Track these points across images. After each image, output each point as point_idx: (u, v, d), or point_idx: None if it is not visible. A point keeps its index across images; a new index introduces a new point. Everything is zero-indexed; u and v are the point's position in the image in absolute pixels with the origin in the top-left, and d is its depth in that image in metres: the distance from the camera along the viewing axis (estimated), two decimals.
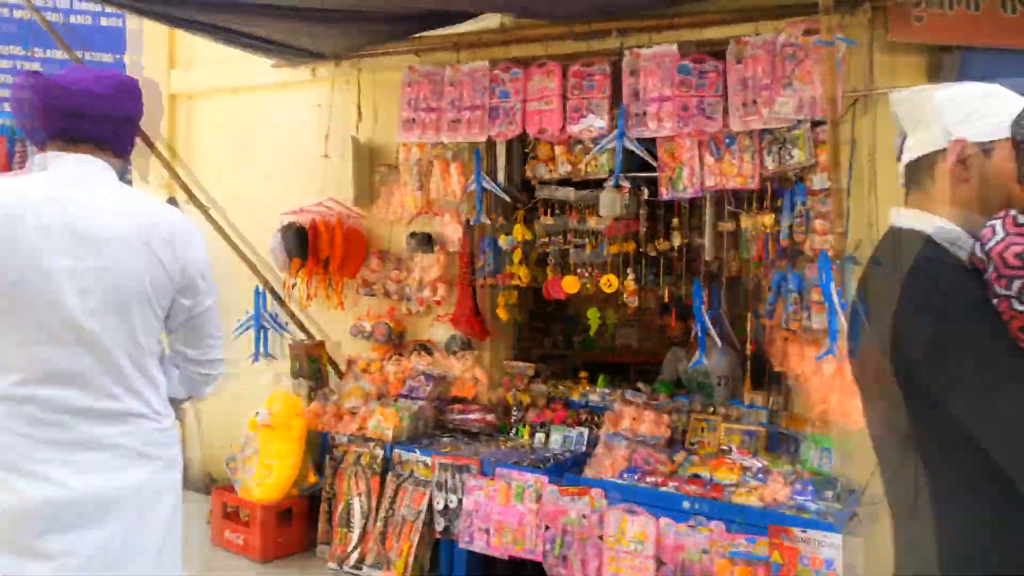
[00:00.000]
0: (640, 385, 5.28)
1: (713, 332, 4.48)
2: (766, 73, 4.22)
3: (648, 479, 4.28)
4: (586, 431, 4.98)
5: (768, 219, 4.31)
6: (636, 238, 4.82)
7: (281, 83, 6.10)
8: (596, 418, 5.14)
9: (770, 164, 4.29)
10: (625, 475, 4.35)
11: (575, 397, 5.34)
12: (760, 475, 4.23)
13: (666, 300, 5.12)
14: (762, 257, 4.41)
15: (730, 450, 4.63)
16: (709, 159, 4.45)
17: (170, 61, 6.59)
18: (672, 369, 6.07)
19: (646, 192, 4.69)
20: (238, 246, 5.54)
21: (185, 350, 2.27)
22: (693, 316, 5.14)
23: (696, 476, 4.23)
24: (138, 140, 2.75)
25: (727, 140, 4.41)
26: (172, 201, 6.53)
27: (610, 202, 4.65)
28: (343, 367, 5.86)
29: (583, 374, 5.45)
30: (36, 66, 5.51)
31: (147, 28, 6.53)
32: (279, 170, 6.13)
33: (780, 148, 4.25)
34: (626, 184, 4.63)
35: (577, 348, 7.26)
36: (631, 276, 4.79)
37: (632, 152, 4.59)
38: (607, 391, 5.29)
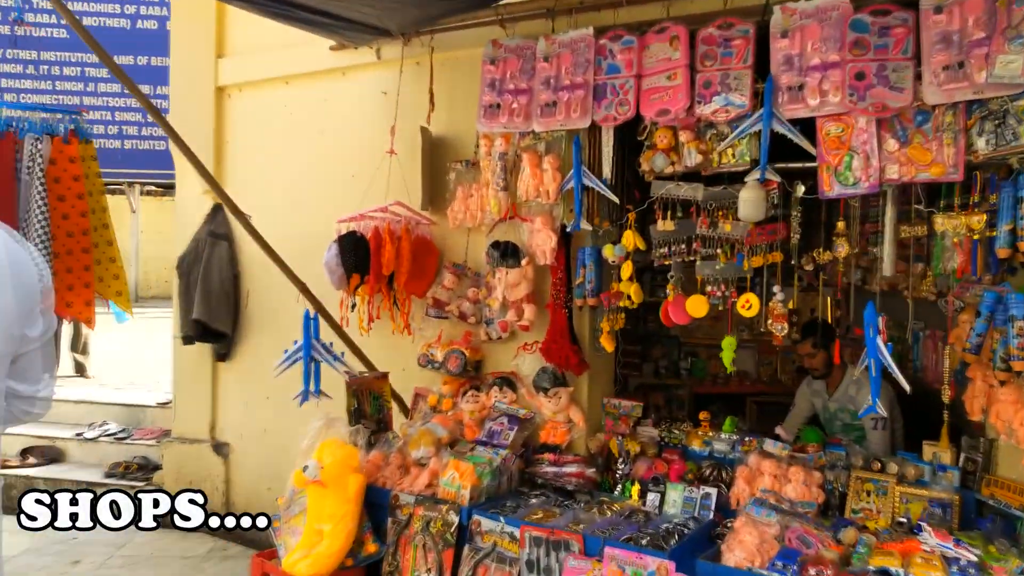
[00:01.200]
0: (780, 431, 4.18)
1: (896, 370, 3.36)
2: (980, 23, 3.13)
3: (812, 572, 3.17)
4: (714, 492, 3.91)
5: (978, 221, 3.20)
6: (785, 248, 3.73)
7: (341, 69, 5.24)
8: (724, 473, 4.06)
9: (982, 147, 3.18)
10: (780, 563, 3.25)
11: (695, 445, 4.28)
12: (972, 571, 3.10)
13: (815, 318, 3.98)
14: (966, 272, 3.28)
15: (916, 527, 3.50)
16: (892, 143, 3.37)
17: (218, 49, 5.81)
18: (806, 406, 4.94)
19: (801, 188, 3.61)
20: (285, 261, 4.65)
21: (14, 385, 1.99)
22: (835, 343, 4.08)
23: (885, 573, 3.10)
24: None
25: (918, 117, 3.32)
26: (218, 209, 5.75)
27: (753, 202, 3.61)
28: (409, 404, 4.91)
29: (704, 415, 4.37)
30: None
31: (192, 13, 5.78)
32: (337, 170, 5.27)
33: (999, 125, 3.14)
34: (775, 178, 3.57)
35: (684, 377, 6.16)
36: (778, 296, 3.71)
37: (783, 137, 3.54)
38: (736, 437, 4.21)
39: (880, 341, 3.41)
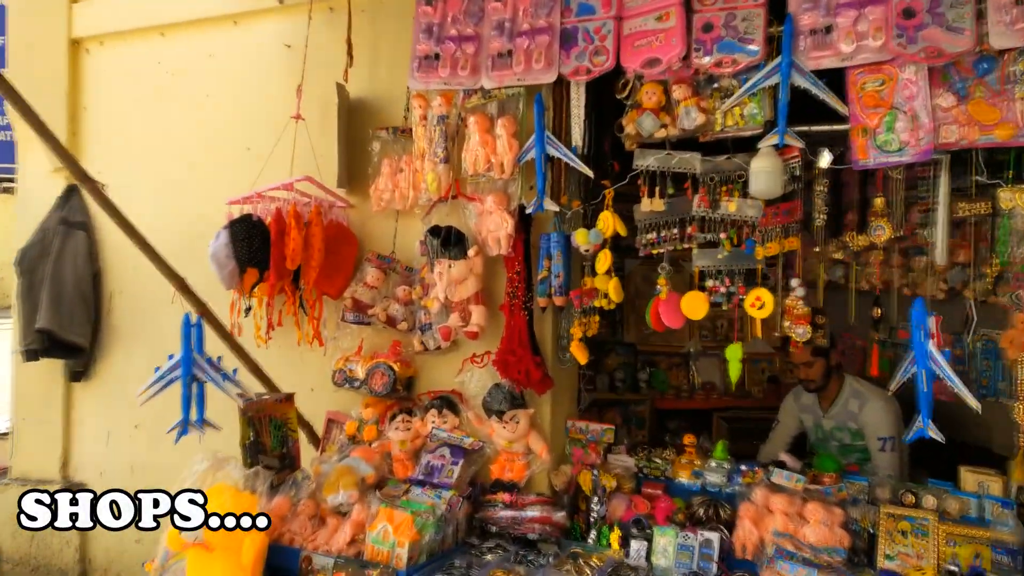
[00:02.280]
0: (786, 458, 3.45)
1: (958, 382, 2.67)
2: None
3: None
4: (716, 538, 3.14)
5: None
6: (806, 231, 3.00)
7: (232, 16, 4.24)
8: (722, 512, 3.30)
9: None
10: None
11: (683, 477, 3.50)
12: None
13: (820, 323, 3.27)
14: None
15: None
16: (947, 98, 2.69)
17: None
18: (792, 424, 4.26)
19: (826, 157, 2.89)
20: (159, 253, 3.59)
21: None
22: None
23: None
24: None
25: (981, 65, 2.66)
26: (73, 192, 4.60)
27: (768, 173, 2.87)
28: (320, 432, 3.93)
29: (689, 439, 3.59)
30: None
31: None
32: (228, 141, 4.26)
33: None
34: (796, 143, 2.84)
35: (643, 390, 5.38)
36: (798, 291, 2.98)
37: (803, 94, 2.82)
38: (729, 466, 3.45)
39: (933, 346, 2.71)
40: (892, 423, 3.82)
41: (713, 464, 3.50)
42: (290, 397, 3.74)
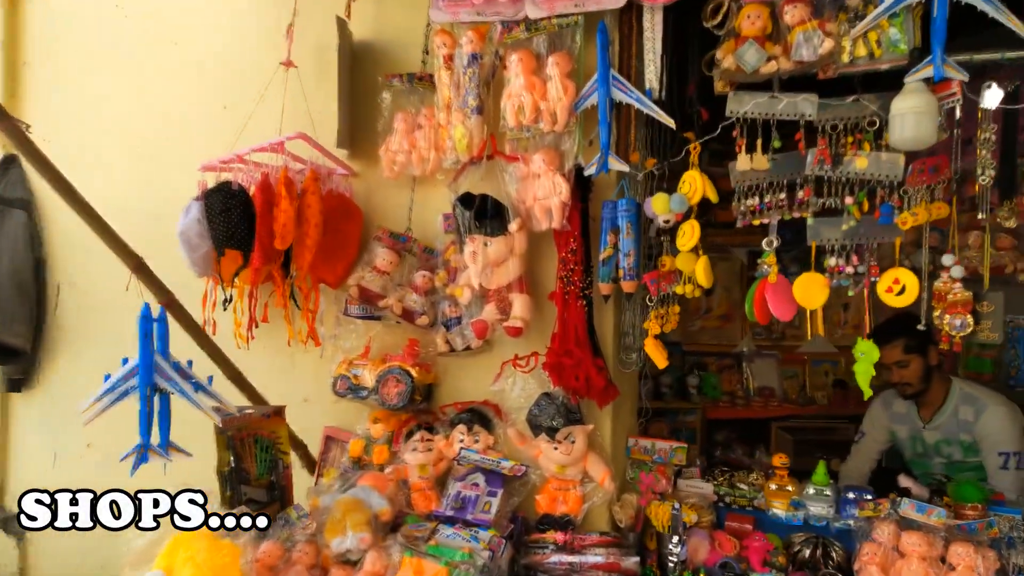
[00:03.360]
0: (909, 483, 2.75)
1: None
2: None
3: None
4: None
5: None
6: (958, 194, 2.32)
7: None
8: (835, 554, 2.61)
9: None
10: None
11: (778, 508, 2.79)
12: None
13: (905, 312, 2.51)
14: None
15: None
16: None
17: None
18: (882, 438, 3.57)
19: (995, 93, 2.20)
20: (115, 232, 2.79)
21: None
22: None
23: None
24: None
25: None
26: (10, 163, 3.82)
27: (920, 115, 2.18)
28: (317, 454, 3.18)
29: (780, 459, 2.88)
30: None
31: None
32: (201, 98, 3.50)
33: None
34: (959, 75, 2.15)
35: (692, 397, 4.65)
36: (953, 271, 2.28)
37: (968, 8, 2.13)
38: (834, 493, 2.75)
39: None
40: (1017, 434, 3.15)
41: (813, 491, 2.79)
42: (280, 411, 2.99)
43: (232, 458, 2.74)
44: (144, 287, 2.75)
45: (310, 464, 3.18)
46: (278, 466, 2.92)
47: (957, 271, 2.27)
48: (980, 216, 2.25)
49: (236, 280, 2.99)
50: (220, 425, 2.62)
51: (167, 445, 2.47)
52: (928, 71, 2.17)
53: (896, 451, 3.65)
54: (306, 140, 2.99)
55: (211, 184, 2.99)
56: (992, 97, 2.21)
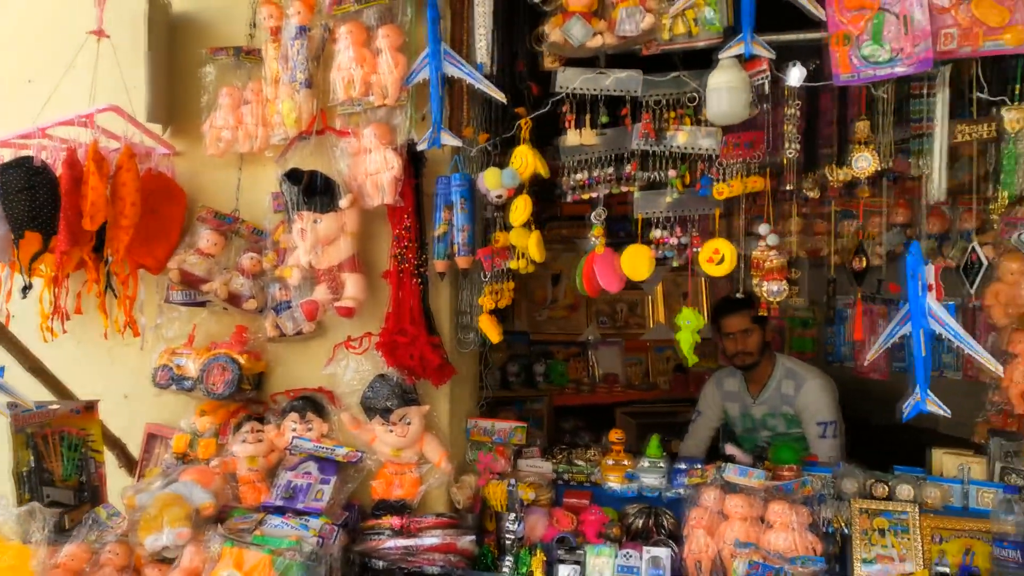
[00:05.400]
0: (734, 451, 2.86)
1: (968, 338, 2.19)
2: None
3: None
4: (665, 554, 2.50)
5: None
6: (772, 167, 2.44)
7: None
8: (665, 521, 2.67)
9: None
10: None
11: (613, 481, 2.83)
12: None
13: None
14: None
15: None
16: None
17: None
18: (715, 415, 3.72)
19: (799, 73, 2.33)
20: None
21: None
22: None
23: None
24: None
25: None
26: None
27: (732, 90, 2.29)
28: (139, 453, 2.95)
29: (617, 434, 2.94)
30: None
31: None
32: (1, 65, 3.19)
33: None
34: (765, 53, 2.27)
35: (539, 385, 4.68)
36: (768, 239, 2.40)
37: None
38: (667, 465, 2.83)
39: (933, 300, 2.21)
40: (832, 405, 3.36)
41: (647, 463, 2.86)
42: (91, 406, 2.76)
43: (31, 457, 2.49)
44: None
45: (130, 463, 2.95)
46: (89, 466, 2.69)
47: (772, 239, 2.39)
48: (788, 187, 2.38)
49: (38, 265, 2.73)
50: (13, 420, 2.37)
51: None
52: (739, 48, 2.28)
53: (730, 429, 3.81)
54: (120, 113, 2.79)
55: (9, 160, 2.72)
56: (796, 76, 2.34)
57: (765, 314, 2.45)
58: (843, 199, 3.15)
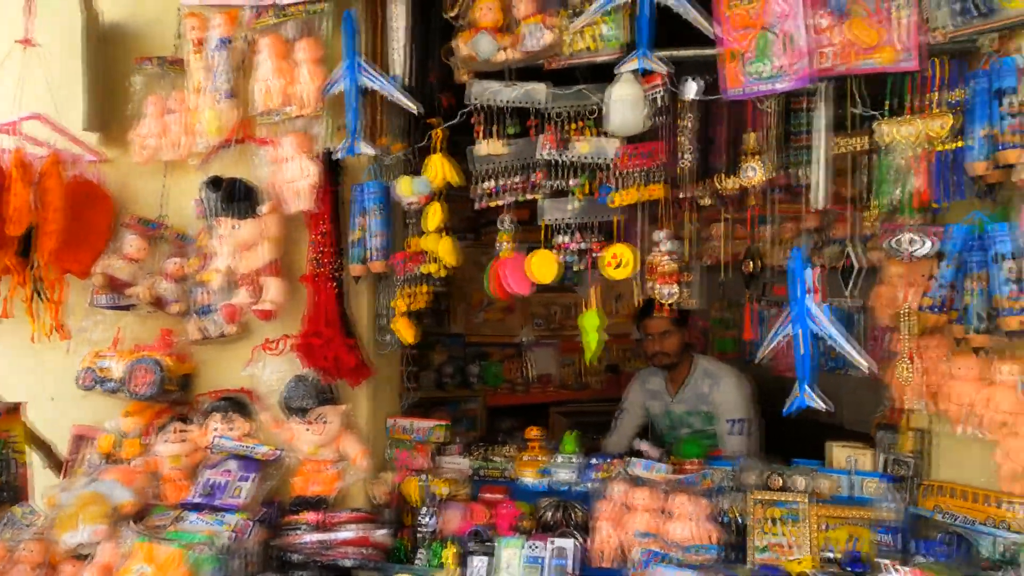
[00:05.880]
0: (644, 446, 3.00)
1: (845, 343, 2.34)
2: None
3: None
4: (570, 545, 2.62)
5: (942, 126, 2.28)
6: (670, 175, 2.58)
7: None
8: (575, 514, 2.79)
9: (946, 24, 2.28)
10: None
11: (528, 477, 2.96)
12: None
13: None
14: (926, 200, 2.36)
15: (853, 564, 2.49)
16: (822, 20, 2.36)
17: None
18: (639, 413, 3.86)
19: (693, 87, 2.48)
20: None
21: None
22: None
23: None
24: None
25: None
26: None
27: (628, 103, 2.43)
28: (66, 453, 3.01)
29: (533, 431, 3.06)
30: None
31: None
32: None
33: None
34: (660, 68, 2.41)
35: (474, 386, 4.81)
36: (664, 246, 2.54)
37: (667, 14, 2.40)
38: (580, 460, 2.96)
39: (813, 302, 2.36)
40: (745, 404, 3.51)
41: (561, 459, 2.99)
42: (15, 408, 2.82)
43: None
44: None
45: (56, 464, 3.01)
46: (11, 466, 2.75)
47: (667, 245, 2.53)
48: (683, 196, 2.52)
49: None
50: None
51: None
52: (634, 63, 2.42)
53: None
54: (45, 122, 2.85)
55: None
56: (690, 90, 2.48)
57: (658, 313, 2.58)
58: (759, 206, 3.32)
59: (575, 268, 2.57)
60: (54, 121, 2.88)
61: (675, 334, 3.51)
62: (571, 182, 2.57)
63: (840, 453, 2.85)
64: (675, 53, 2.49)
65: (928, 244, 2.35)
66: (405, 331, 2.70)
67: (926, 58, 2.31)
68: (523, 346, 4.92)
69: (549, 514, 2.80)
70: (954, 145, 2.30)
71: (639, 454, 2.94)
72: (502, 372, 4.83)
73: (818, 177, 2.41)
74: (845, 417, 4.08)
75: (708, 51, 2.45)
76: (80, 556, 2.41)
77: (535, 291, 2.65)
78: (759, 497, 2.72)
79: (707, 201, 2.57)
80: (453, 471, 2.97)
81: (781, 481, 2.77)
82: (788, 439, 3.41)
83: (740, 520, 2.69)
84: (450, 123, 2.66)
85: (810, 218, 2.73)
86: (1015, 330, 2.21)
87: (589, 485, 2.83)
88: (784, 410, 2.47)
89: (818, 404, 2.38)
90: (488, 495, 2.91)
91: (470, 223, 4.47)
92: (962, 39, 2.30)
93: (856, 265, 2.51)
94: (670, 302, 2.52)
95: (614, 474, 2.80)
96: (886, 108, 2.38)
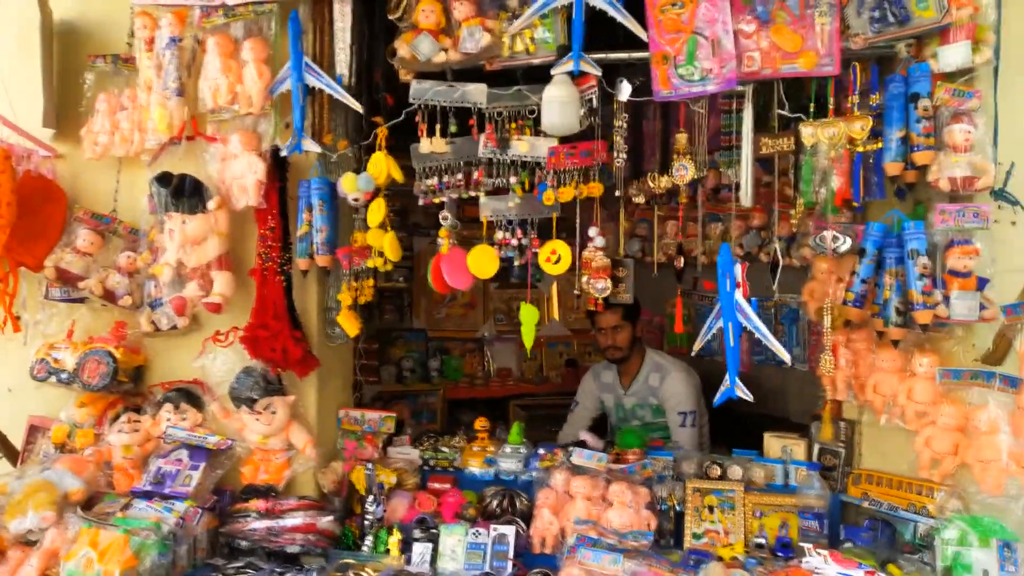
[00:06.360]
0: (587, 437, 3.10)
1: (768, 335, 2.43)
2: None
3: None
4: (511, 532, 2.71)
5: (862, 128, 2.38)
6: (606, 173, 2.66)
7: None
8: (519, 503, 2.88)
9: (865, 31, 2.38)
10: None
11: (474, 466, 3.05)
12: None
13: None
14: (846, 197, 2.46)
15: (781, 549, 2.60)
16: (748, 24, 2.45)
17: None
18: (592, 405, 3.95)
19: (626, 89, 2.57)
20: None
21: None
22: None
23: None
24: None
25: None
26: None
27: (562, 103, 2.51)
28: (21, 446, 3.07)
29: (481, 423, 3.15)
30: None
31: None
32: None
33: (884, 1, 2.35)
34: (593, 70, 2.49)
35: (434, 380, 4.88)
36: (596, 242, 2.63)
37: (601, 18, 2.49)
38: (526, 450, 3.05)
39: (740, 297, 2.46)
40: (692, 396, 3.61)
41: (508, 449, 3.08)
42: None
43: None
44: None
45: (12, 454, 3.06)
46: None
47: (600, 241, 2.61)
48: (617, 194, 2.60)
49: None
50: None
51: None
52: (568, 65, 2.49)
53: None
54: (2, 122, 2.90)
55: None
56: (624, 90, 2.57)
57: (591, 307, 2.66)
58: (710, 203, 3.42)
59: (515, 263, 2.65)
60: (4, 116, 2.92)
61: (625, 328, 3.60)
62: (512, 180, 2.64)
63: (775, 443, 2.96)
64: (609, 55, 2.57)
65: (850, 241, 2.45)
66: (349, 324, 2.78)
67: (846, 63, 2.41)
68: (484, 341, 5.00)
69: (495, 502, 2.89)
70: (873, 147, 2.40)
71: (583, 444, 3.03)
72: (462, 366, 4.92)
73: (744, 177, 2.50)
74: (791, 410, 4.21)
75: (639, 54, 2.54)
76: (28, 542, 2.47)
77: (478, 285, 2.73)
78: (696, 486, 2.82)
79: (640, 200, 2.65)
80: (402, 461, 3.06)
81: (719, 470, 2.88)
82: (737, 432, 3.51)
83: (678, 508, 2.79)
84: (393, 122, 2.73)
85: (754, 216, 2.80)
86: (927, 324, 2.31)
87: (534, 474, 2.92)
88: (716, 401, 2.55)
89: (745, 395, 2.47)
90: (436, 484, 2.99)
91: (434, 219, 4.53)
92: (880, 45, 2.40)
93: (780, 260, 2.60)
94: (603, 296, 2.60)
95: (557, 464, 2.89)
96: (810, 110, 2.47)
